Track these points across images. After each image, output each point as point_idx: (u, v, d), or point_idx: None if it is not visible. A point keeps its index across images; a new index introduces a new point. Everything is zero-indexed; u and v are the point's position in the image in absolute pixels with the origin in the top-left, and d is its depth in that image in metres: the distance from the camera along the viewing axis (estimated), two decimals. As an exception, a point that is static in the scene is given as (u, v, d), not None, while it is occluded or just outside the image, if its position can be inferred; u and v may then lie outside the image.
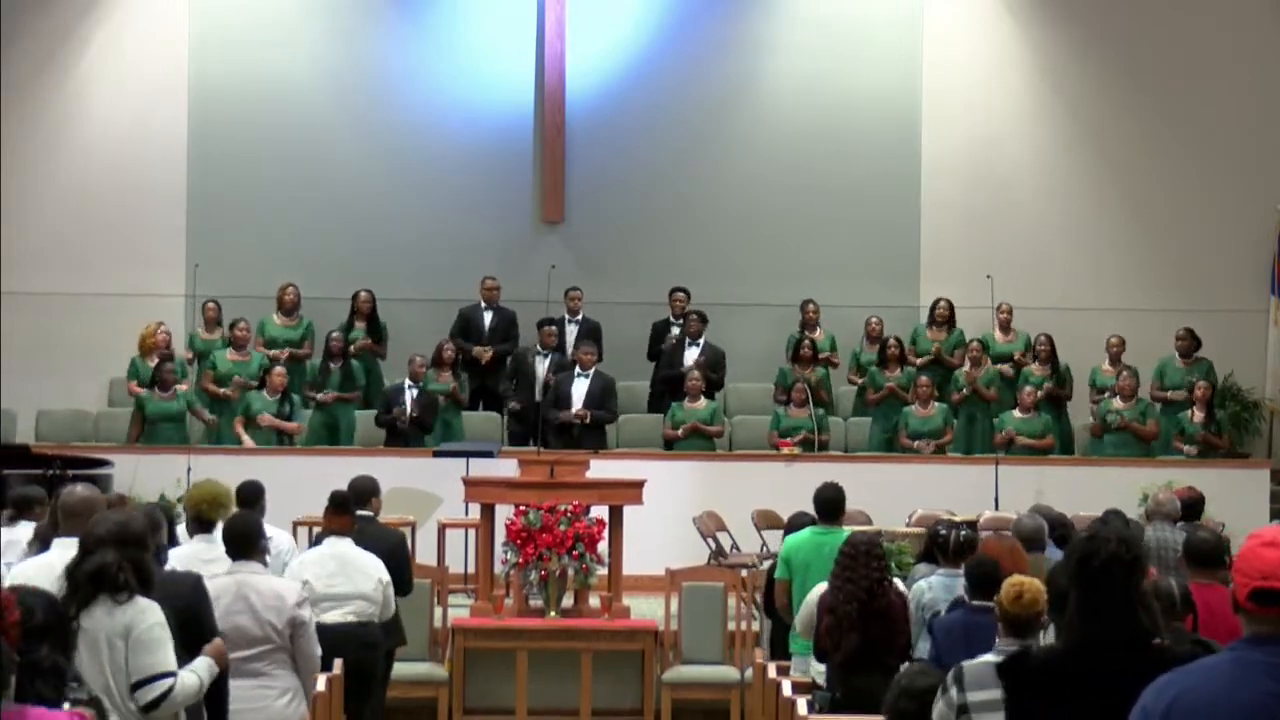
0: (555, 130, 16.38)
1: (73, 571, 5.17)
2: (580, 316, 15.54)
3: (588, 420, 14.24)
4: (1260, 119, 16.71)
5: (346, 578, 8.36)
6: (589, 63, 16.48)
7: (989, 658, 4.45)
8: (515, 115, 16.47)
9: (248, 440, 13.96)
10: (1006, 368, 15.30)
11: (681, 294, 15.68)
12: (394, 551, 8.97)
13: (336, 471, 9.92)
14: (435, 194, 16.51)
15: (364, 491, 9.24)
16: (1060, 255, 16.74)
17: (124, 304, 15.66)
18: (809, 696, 7.45)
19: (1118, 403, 14.69)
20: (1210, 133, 16.71)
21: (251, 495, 8.69)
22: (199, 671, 5.47)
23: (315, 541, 9.00)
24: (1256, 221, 16.48)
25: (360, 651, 8.24)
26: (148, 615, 5.20)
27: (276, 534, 8.51)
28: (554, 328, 15.10)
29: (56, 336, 15.91)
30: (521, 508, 10.97)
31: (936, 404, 14.70)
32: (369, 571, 8.43)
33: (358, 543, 8.56)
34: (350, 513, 8.68)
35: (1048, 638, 5.30)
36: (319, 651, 6.71)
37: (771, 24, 16.82)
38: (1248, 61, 16.75)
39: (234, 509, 7.47)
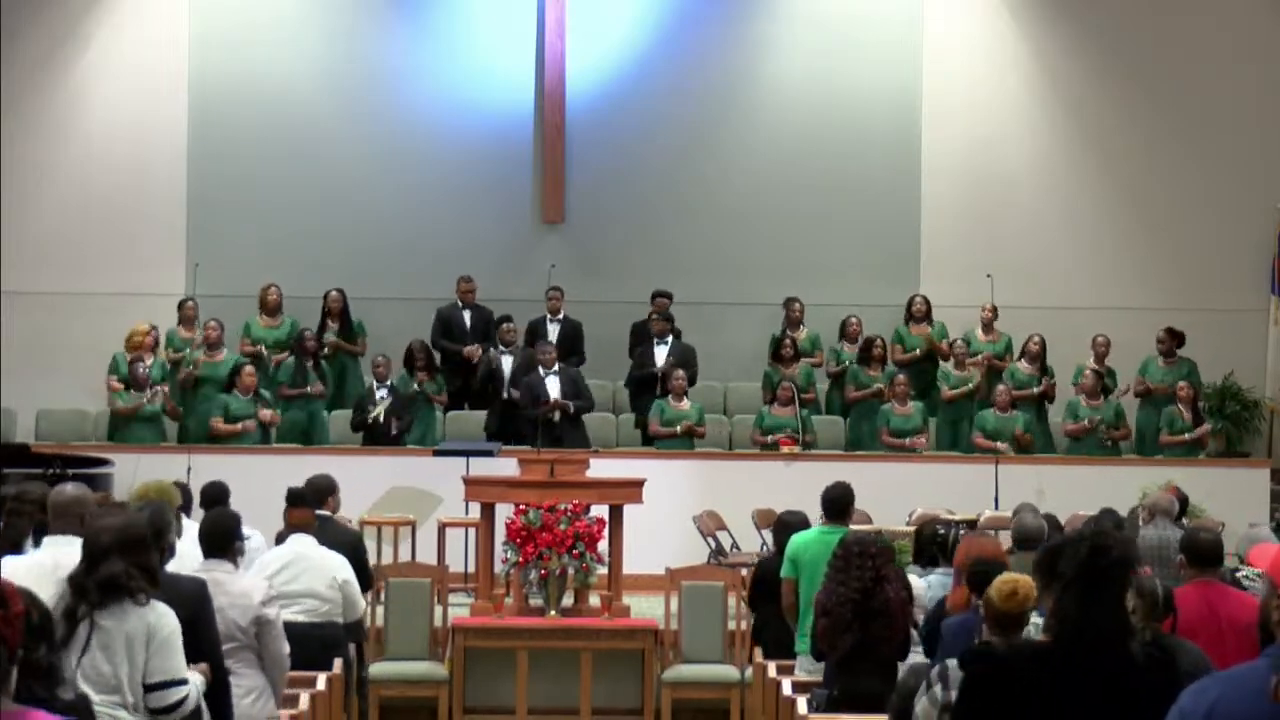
0: (555, 130, 16.37)
1: (81, 580, 5.18)
2: (561, 316, 15.43)
3: (570, 410, 14.14)
4: (1260, 119, 16.70)
5: (298, 576, 8.28)
6: (589, 63, 16.47)
7: None
8: (515, 115, 16.46)
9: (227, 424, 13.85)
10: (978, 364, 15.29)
11: (664, 299, 15.43)
12: (349, 551, 8.83)
13: (333, 471, 9.86)
14: (435, 194, 16.49)
15: (321, 490, 9.17)
16: (1060, 254, 16.73)
17: (124, 304, 15.64)
18: (808, 695, 7.44)
19: (1084, 400, 14.70)
20: (1210, 132, 16.69)
21: (216, 498, 8.53)
22: (194, 682, 5.49)
23: (278, 540, 8.90)
24: (1256, 221, 16.47)
25: (314, 651, 8.04)
26: (168, 619, 5.25)
27: (250, 532, 8.43)
28: (512, 325, 14.97)
29: (56, 336, 15.90)
30: (521, 507, 10.96)
31: (914, 403, 14.70)
32: (325, 570, 8.35)
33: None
34: (309, 508, 8.61)
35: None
36: (287, 650, 6.64)
37: (771, 24, 16.80)
38: (1248, 61, 16.74)
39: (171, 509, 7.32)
